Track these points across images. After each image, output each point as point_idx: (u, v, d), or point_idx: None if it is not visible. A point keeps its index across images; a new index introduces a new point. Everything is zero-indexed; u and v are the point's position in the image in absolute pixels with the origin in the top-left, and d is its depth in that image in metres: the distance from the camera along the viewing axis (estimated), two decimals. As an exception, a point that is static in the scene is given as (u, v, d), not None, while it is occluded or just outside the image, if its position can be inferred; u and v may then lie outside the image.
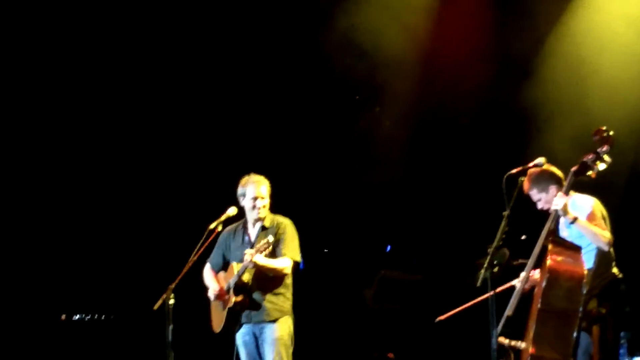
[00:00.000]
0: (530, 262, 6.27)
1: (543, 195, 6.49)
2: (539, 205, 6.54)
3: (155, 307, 6.86)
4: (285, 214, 7.44)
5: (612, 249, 6.31)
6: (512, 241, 6.34)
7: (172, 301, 6.86)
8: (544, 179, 6.49)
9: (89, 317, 9.40)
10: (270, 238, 6.93)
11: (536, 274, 6.31)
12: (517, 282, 6.51)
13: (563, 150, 8.18)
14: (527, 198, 6.54)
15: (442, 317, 6.83)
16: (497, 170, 6.36)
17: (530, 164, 6.39)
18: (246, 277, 7.09)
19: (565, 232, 6.39)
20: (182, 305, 7.02)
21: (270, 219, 7.31)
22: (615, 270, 6.34)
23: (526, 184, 6.44)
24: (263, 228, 7.28)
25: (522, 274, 6.37)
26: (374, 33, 9.72)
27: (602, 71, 9.10)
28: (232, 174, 7.52)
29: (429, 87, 10.07)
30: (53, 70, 9.93)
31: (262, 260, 6.97)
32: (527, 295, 6.30)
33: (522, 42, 9.48)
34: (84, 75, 10.01)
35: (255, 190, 7.21)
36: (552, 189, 6.45)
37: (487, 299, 6.11)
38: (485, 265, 6.02)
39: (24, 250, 9.91)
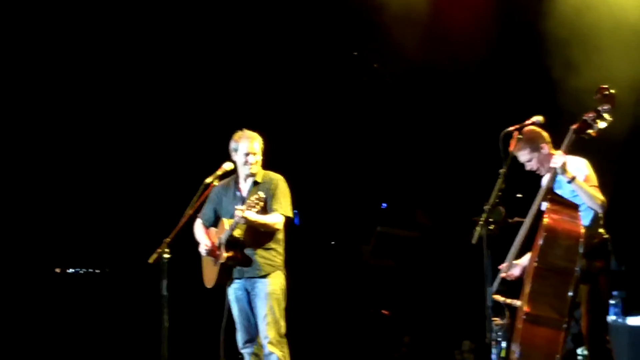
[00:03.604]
0: (527, 220, 6.22)
1: (535, 155, 6.38)
2: (529, 166, 6.43)
3: (151, 260, 6.84)
4: (283, 170, 7.39)
5: None
6: (509, 199, 6.27)
7: (167, 255, 6.83)
8: (538, 138, 6.38)
9: (84, 270, 9.44)
10: (262, 194, 6.89)
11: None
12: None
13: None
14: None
15: None
16: (495, 127, 6.27)
17: (528, 122, 6.24)
18: (237, 233, 7.06)
19: (558, 190, 6.31)
20: (177, 260, 6.99)
21: (262, 174, 7.26)
22: (602, 230, 6.28)
23: (517, 144, 6.22)
24: (255, 183, 7.23)
25: (520, 233, 6.31)
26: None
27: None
28: (229, 128, 7.47)
29: (434, 38, 9.88)
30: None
31: (253, 216, 6.92)
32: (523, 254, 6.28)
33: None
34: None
35: (248, 146, 7.16)
36: (545, 147, 6.37)
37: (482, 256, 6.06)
38: (481, 222, 5.96)
39: (20, 204, 9.92)
